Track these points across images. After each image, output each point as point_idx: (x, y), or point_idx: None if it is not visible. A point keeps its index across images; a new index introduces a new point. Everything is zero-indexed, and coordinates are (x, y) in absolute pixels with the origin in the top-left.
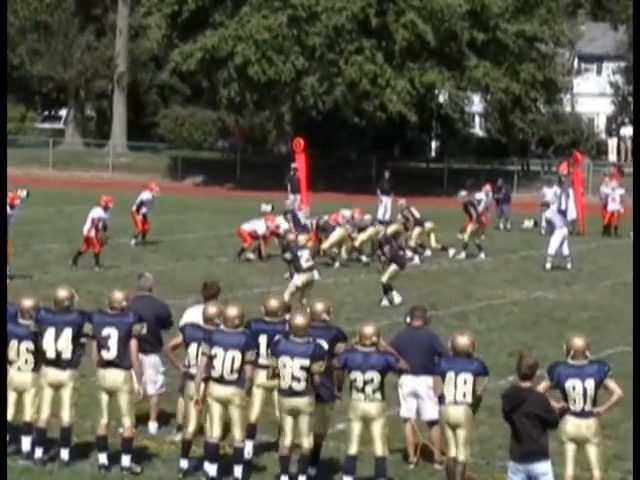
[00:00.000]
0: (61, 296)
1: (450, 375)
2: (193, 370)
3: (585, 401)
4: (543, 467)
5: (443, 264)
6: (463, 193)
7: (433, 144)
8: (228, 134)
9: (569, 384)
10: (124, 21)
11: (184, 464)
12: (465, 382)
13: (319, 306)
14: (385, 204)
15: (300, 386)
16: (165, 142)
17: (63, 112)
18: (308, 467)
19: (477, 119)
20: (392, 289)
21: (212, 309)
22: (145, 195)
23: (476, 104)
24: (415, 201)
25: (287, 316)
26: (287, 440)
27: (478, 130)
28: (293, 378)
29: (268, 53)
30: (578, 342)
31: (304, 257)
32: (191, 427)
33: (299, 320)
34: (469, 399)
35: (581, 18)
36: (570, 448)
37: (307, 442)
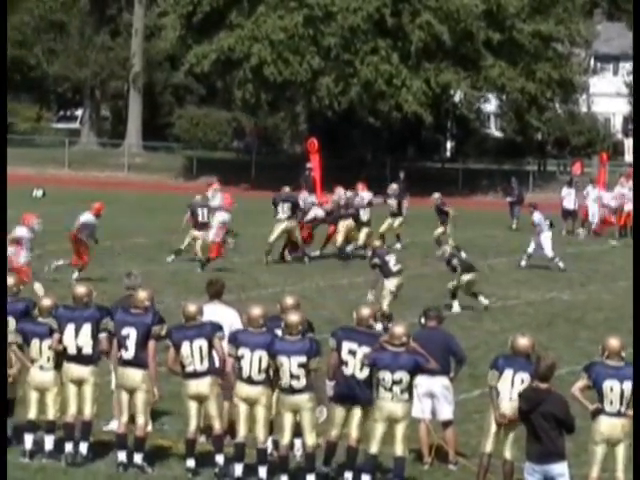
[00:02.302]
0: (80, 292)
1: (508, 373)
2: (189, 368)
3: (621, 403)
4: (560, 468)
5: None
6: (436, 195)
7: (448, 144)
8: (243, 134)
9: (607, 385)
10: (140, 21)
11: (190, 463)
12: (522, 381)
13: (365, 311)
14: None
15: (300, 384)
16: (180, 142)
17: (79, 112)
18: (315, 464)
19: (492, 119)
20: (477, 295)
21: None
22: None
23: (492, 104)
24: (430, 202)
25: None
26: (286, 439)
27: (494, 130)
28: (292, 376)
29: (284, 54)
30: (614, 343)
31: (392, 261)
32: (192, 426)
33: (293, 317)
34: None
35: (597, 18)
36: (600, 449)
37: (310, 439)
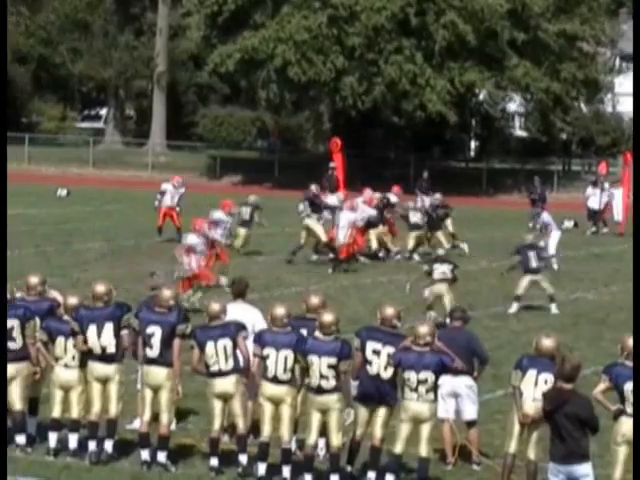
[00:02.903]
0: (100, 291)
1: (532, 373)
2: (214, 368)
3: None
4: (584, 469)
5: (481, 264)
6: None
7: (472, 144)
8: (267, 134)
9: (628, 386)
10: (164, 21)
11: (214, 462)
12: (546, 382)
13: (390, 311)
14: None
15: (329, 384)
16: (204, 141)
17: (103, 111)
18: (340, 465)
19: (517, 119)
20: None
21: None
22: (165, 185)
23: (516, 103)
24: (453, 201)
25: None
26: (312, 438)
27: (518, 130)
28: (321, 376)
29: (308, 54)
30: (632, 343)
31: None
32: (216, 425)
33: (327, 317)
34: None
35: (623, 17)
36: (623, 450)
37: (336, 439)
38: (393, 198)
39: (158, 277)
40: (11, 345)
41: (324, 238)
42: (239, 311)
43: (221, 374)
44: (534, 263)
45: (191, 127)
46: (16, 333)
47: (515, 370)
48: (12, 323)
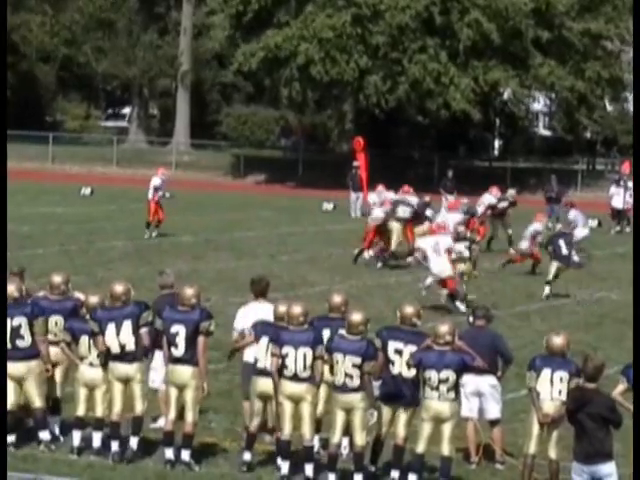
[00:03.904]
0: (118, 291)
1: (546, 372)
2: (260, 364)
3: None
4: (608, 468)
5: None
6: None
7: (496, 143)
8: (290, 133)
9: None
10: (188, 20)
11: (247, 457)
12: (561, 380)
13: (409, 309)
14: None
15: (353, 383)
16: (228, 140)
17: (127, 110)
18: (363, 464)
19: (541, 118)
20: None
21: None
22: (155, 180)
23: (540, 102)
24: (478, 200)
25: None
26: (336, 437)
27: (542, 129)
28: (346, 375)
29: (331, 52)
30: None
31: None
32: (256, 421)
33: (356, 317)
34: (564, 397)
35: (629, 15)
36: None
37: (360, 439)
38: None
39: (168, 275)
40: (20, 343)
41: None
42: (260, 311)
43: (266, 373)
44: (564, 250)
45: (215, 126)
46: (24, 331)
47: (529, 371)
48: (19, 321)
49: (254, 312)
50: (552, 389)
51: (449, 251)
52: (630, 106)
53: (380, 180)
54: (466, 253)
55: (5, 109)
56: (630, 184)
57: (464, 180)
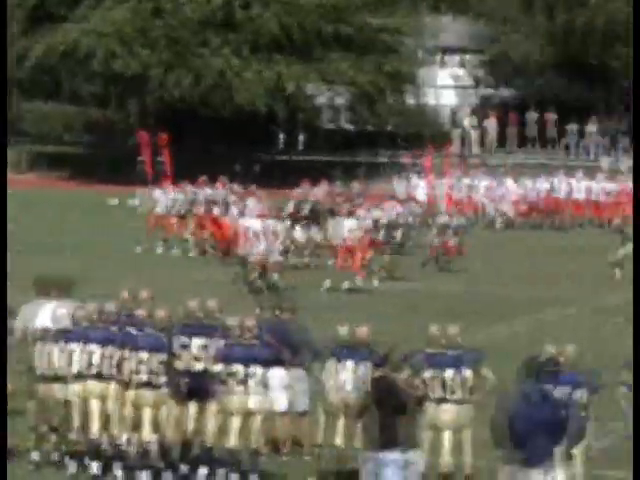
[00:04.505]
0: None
1: (350, 363)
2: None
3: None
4: (394, 455)
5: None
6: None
7: (301, 137)
8: (90, 128)
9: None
10: None
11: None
12: (357, 370)
13: (211, 303)
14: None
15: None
16: (25, 137)
17: None
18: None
19: (335, 111)
20: None
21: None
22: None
23: (336, 96)
24: (278, 194)
25: None
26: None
27: (335, 123)
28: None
29: (134, 47)
30: None
31: None
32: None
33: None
34: (358, 387)
35: (427, 10)
36: None
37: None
38: None
39: None
40: None
41: None
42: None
43: None
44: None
45: (13, 122)
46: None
47: (327, 362)
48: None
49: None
50: (346, 379)
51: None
52: (421, 100)
53: (177, 175)
54: None
55: (5, 109)
56: (431, 177)
57: (270, 175)
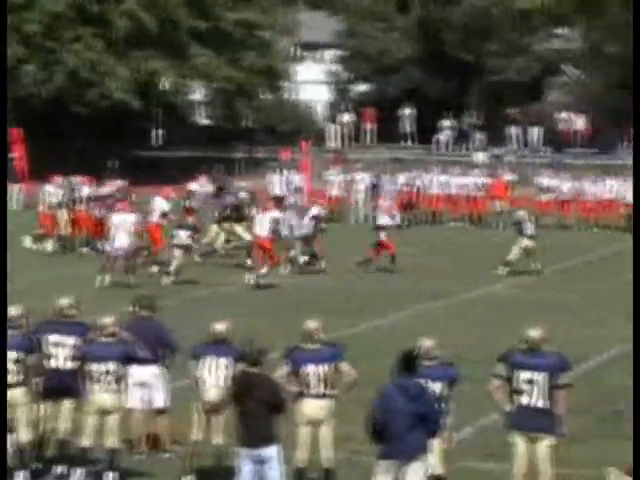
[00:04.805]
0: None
1: (211, 359)
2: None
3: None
4: (272, 451)
5: None
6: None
7: (159, 132)
8: None
9: None
10: None
11: None
12: (226, 366)
13: (64, 301)
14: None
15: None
16: None
17: None
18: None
19: (202, 107)
20: None
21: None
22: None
23: (199, 92)
24: (145, 190)
25: None
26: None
27: (203, 118)
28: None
29: None
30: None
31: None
32: None
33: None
34: (228, 383)
35: (299, 7)
36: None
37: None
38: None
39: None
40: None
41: None
42: None
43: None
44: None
45: None
46: None
47: (192, 360)
48: None
49: None
50: (216, 375)
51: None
52: (287, 95)
53: (43, 171)
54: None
55: (5, 110)
56: (285, 172)
57: (128, 170)
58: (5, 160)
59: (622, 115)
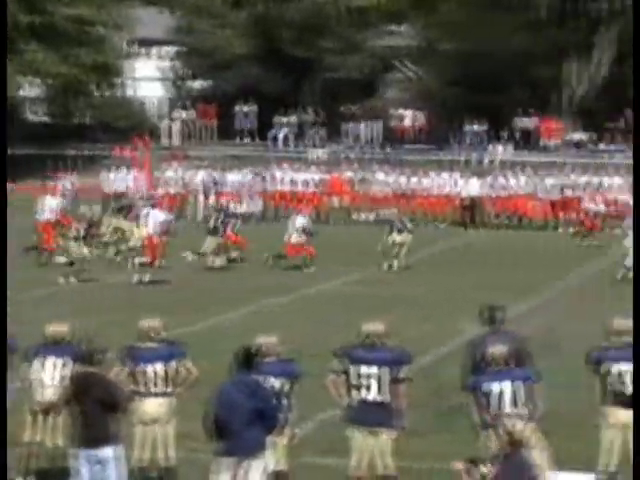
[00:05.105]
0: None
1: (50, 360)
2: None
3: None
4: (109, 452)
5: None
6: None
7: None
8: None
9: None
10: None
11: None
12: (63, 365)
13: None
14: None
15: None
16: None
17: None
18: None
19: (36, 104)
20: None
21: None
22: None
23: (33, 89)
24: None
25: None
26: None
27: (37, 115)
28: None
29: None
30: None
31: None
32: None
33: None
34: (63, 382)
35: (134, 3)
36: None
37: None
38: None
39: None
40: None
41: None
42: None
43: None
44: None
45: None
46: None
47: (25, 362)
48: None
49: None
50: (52, 375)
51: None
52: (122, 92)
53: None
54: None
55: (6, 110)
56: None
57: None
58: (5, 160)
59: (456, 111)
